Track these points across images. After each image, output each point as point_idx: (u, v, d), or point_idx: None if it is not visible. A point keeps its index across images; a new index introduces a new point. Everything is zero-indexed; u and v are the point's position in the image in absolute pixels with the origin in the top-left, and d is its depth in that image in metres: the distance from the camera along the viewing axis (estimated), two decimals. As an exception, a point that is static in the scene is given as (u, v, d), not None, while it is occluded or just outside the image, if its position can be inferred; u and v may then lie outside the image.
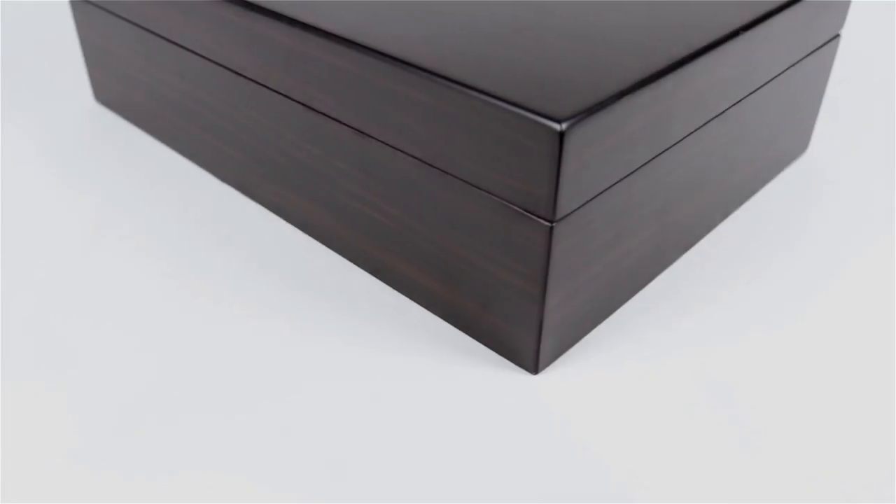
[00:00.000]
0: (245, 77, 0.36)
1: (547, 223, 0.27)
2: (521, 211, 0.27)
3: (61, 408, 0.29)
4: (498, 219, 0.28)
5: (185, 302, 0.34)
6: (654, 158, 0.30)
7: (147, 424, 0.29)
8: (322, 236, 0.36)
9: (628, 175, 0.29)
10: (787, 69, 0.37)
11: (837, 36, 0.40)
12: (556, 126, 0.25)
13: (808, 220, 0.39)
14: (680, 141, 0.31)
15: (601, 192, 0.28)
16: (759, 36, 0.33)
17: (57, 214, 0.39)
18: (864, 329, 0.33)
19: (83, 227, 0.38)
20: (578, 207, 0.27)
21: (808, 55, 0.38)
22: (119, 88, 0.45)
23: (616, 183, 0.29)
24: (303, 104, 0.33)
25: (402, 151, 0.30)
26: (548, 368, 0.31)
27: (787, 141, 0.41)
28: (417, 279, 0.33)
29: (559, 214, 0.27)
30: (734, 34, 0.31)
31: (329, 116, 0.33)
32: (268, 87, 0.35)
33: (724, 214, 0.38)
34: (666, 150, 0.31)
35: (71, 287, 0.35)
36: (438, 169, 0.29)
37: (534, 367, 0.30)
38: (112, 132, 0.45)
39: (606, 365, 0.31)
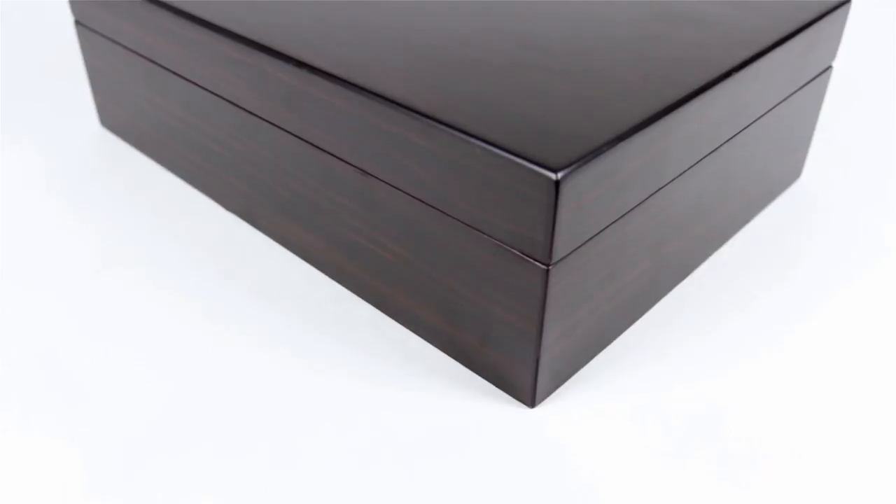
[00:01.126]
0: (249, 112, 0.37)
1: (543, 266, 0.28)
2: (518, 254, 0.28)
3: (69, 442, 0.30)
4: (496, 260, 0.29)
5: (191, 334, 0.35)
6: (647, 198, 0.31)
7: (156, 458, 0.29)
8: (325, 267, 0.37)
9: (622, 216, 0.30)
10: (780, 103, 0.38)
11: (830, 67, 0.41)
12: (552, 175, 0.26)
13: (801, 249, 0.40)
14: (673, 180, 0.32)
15: (596, 234, 0.29)
16: (752, 74, 0.34)
17: (63, 242, 0.40)
18: (857, 359, 0.34)
19: (90, 256, 0.39)
20: (574, 250, 0.28)
21: (801, 88, 0.39)
22: (124, 115, 0.46)
23: (610, 224, 0.30)
24: (306, 141, 0.34)
25: (402, 191, 0.31)
26: (545, 402, 0.32)
27: (780, 170, 0.42)
28: (418, 313, 0.34)
29: (555, 258, 0.28)
30: (727, 75, 0.32)
31: (332, 154, 0.33)
32: (271, 123, 0.36)
33: (718, 244, 0.39)
34: (659, 189, 0.31)
35: (76, 317, 0.35)
36: (438, 210, 0.30)
37: (531, 400, 0.31)
38: (117, 157, 0.46)
39: (602, 397, 0.32)
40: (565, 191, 0.26)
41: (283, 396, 0.32)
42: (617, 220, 0.30)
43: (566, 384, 0.32)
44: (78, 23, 0.45)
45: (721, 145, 0.34)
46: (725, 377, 0.33)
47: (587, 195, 0.27)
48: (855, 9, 0.64)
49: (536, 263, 0.28)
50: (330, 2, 0.37)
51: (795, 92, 0.39)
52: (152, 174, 0.45)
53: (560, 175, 0.26)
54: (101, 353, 0.34)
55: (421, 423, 0.31)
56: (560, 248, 0.27)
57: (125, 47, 0.42)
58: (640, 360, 0.34)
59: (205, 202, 0.43)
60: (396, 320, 0.35)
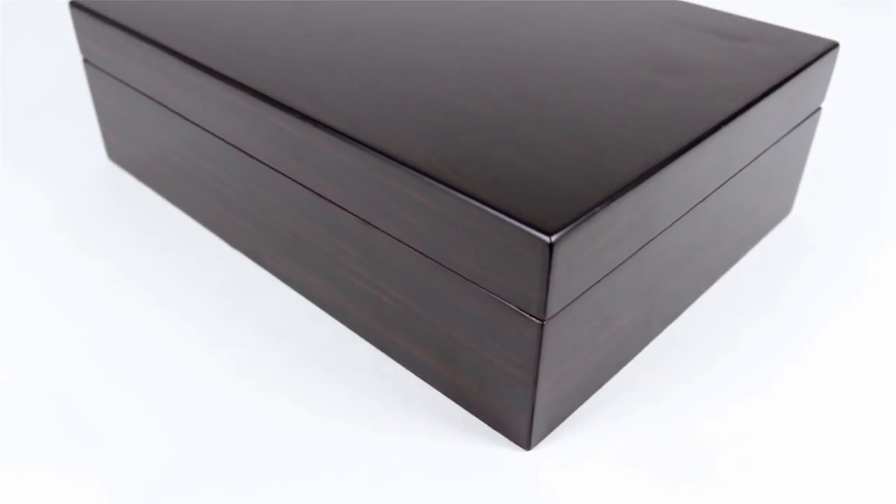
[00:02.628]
0: (254, 157, 0.38)
1: (538, 321, 0.29)
2: (514, 308, 0.29)
3: (84, 480, 0.31)
4: (493, 313, 0.30)
5: (199, 375, 0.36)
6: (638, 250, 0.32)
7: (163, 500, 0.31)
8: (328, 308, 0.39)
9: (614, 269, 0.31)
10: (770, 147, 0.39)
11: (819, 109, 0.42)
12: (546, 238, 0.27)
13: (790, 286, 0.41)
14: (664, 230, 0.33)
15: (589, 288, 0.30)
16: (742, 124, 0.35)
17: (73, 278, 0.41)
18: (847, 398, 0.35)
19: (100, 292, 0.40)
20: (567, 305, 0.29)
21: (791, 131, 0.40)
22: (131, 151, 0.47)
23: (602, 278, 0.31)
24: (310, 189, 0.35)
25: (403, 243, 0.32)
26: (540, 444, 0.33)
27: (771, 208, 0.43)
28: (418, 356, 0.35)
29: (549, 314, 0.29)
30: (717, 128, 0.33)
31: (335, 204, 0.35)
32: (276, 170, 0.37)
33: (709, 283, 0.40)
34: (650, 241, 0.33)
35: (87, 356, 0.37)
36: (437, 263, 0.31)
37: (527, 443, 0.32)
38: (125, 191, 0.47)
39: (595, 440, 0.33)
40: (559, 252, 0.27)
41: (286, 438, 0.33)
42: (609, 273, 0.31)
43: (560, 426, 0.34)
44: (86, 61, 0.46)
45: (711, 193, 0.35)
46: (716, 420, 0.34)
47: (580, 254, 0.29)
48: (843, 49, 0.66)
49: (531, 318, 0.29)
50: (335, 54, 0.38)
51: (785, 135, 0.40)
52: (159, 209, 0.46)
53: (554, 238, 0.27)
54: (112, 394, 0.35)
55: (419, 465, 0.32)
56: (554, 304, 0.29)
57: (133, 88, 0.44)
58: (632, 403, 0.35)
59: (211, 238, 0.44)
60: (397, 361, 0.36)
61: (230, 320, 0.39)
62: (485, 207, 0.29)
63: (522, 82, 0.36)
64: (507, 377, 0.31)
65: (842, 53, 0.63)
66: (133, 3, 0.44)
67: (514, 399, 0.32)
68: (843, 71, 0.61)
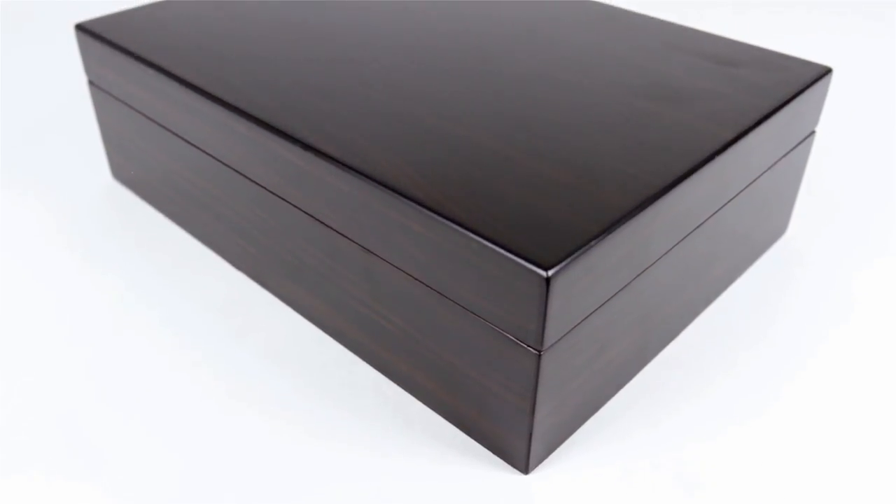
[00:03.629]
0: (257, 183, 0.38)
1: (535, 352, 0.30)
2: (512, 339, 0.30)
3: (93, 509, 0.32)
4: (491, 342, 0.31)
5: (204, 399, 0.37)
6: (634, 279, 0.33)
7: (172, 527, 0.31)
8: (330, 331, 0.39)
9: (610, 299, 0.32)
10: (765, 172, 0.39)
11: (813, 132, 0.43)
12: (543, 273, 0.28)
13: (784, 307, 0.42)
14: (659, 259, 0.34)
15: (585, 318, 0.31)
16: (737, 152, 0.36)
17: (80, 300, 0.42)
18: (841, 420, 0.36)
19: (106, 314, 0.41)
20: (564, 335, 0.30)
21: (785, 155, 0.41)
22: (135, 172, 0.48)
23: (599, 308, 0.31)
24: (312, 216, 0.36)
25: (403, 271, 0.33)
26: (538, 468, 0.34)
27: (766, 229, 0.44)
28: (418, 380, 0.36)
29: (546, 345, 0.29)
30: (712, 157, 0.34)
31: (337, 231, 0.35)
32: (279, 196, 0.37)
33: (705, 304, 0.41)
34: (646, 269, 0.33)
35: (94, 378, 0.37)
36: (437, 291, 0.32)
37: (525, 467, 0.33)
38: (130, 211, 0.48)
39: (592, 463, 0.34)
40: (555, 286, 0.28)
41: (288, 460, 0.34)
42: (605, 302, 0.32)
43: (558, 450, 0.34)
44: (91, 83, 0.47)
45: (706, 220, 0.36)
46: (710, 443, 0.35)
47: (576, 286, 0.29)
48: (838, 64, 0.66)
49: (529, 349, 0.30)
50: (336, 80, 0.39)
51: (779, 160, 0.40)
52: (164, 228, 0.47)
53: (550, 273, 0.28)
54: (116, 416, 0.36)
55: (419, 488, 0.33)
56: (551, 335, 0.29)
57: (137, 110, 0.44)
58: (629, 426, 0.35)
59: (215, 259, 0.44)
60: (398, 384, 0.37)
61: (234, 342, 0.39)
62: (483, 241, 0.29)
63: (520, 110, 0.37)
64: (506, 404, 0.32)
65: (836, 69, 0.64)
66: (138, 27, 0.45)
67: (512, 425, 0.32)
68: (838, 86, 0.62)
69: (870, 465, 0.34)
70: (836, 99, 0.60)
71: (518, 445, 0.33)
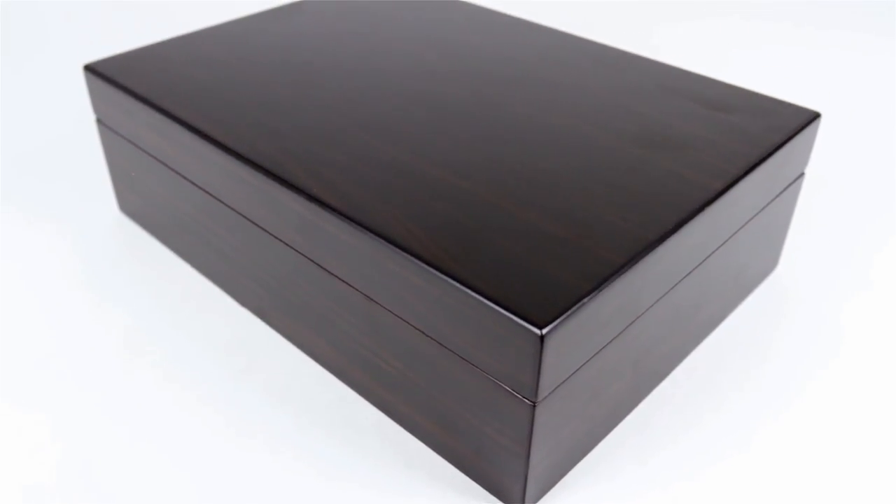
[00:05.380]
0: (261, 227, 0.40)
1: (530, 403, 0.31)
2: (507, 389, 0.31)
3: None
4: (488, 390, 0.32)
5: (209, 437, 0.38)
6: (626, 328, 0.34)
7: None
8: (333, 370, 0.40)
9: (603, 348, 0.33)
10: (755, 215, 0.41)
11: (802, 174, 0.44)
12: (537, 331, 0.29)
13: (777, 344, 0.43)
14: (651, 306, 0.35)
15: (578, 369, 0.32)
16: (727, 201, 0.37)
17: (88, 337, 0.43)
18: (833, 456, 0.37)
19: (114, 351, 0.42)
20: (558, 386, 0.31)
21: (775, 198, 0.42)
22: (142, 206, 0.49)
23: (592, 357, 0.33)
24: (315, 262, 0.37)
25: (403, 319, 0.34)
26: (533, 508, 0.35)
27: (757, 267, 0.45)
28: (418, 421, 0.37)
29: (541, 397, 0.31)
30: (702, 208, 0.35)
31: (339, 278, 0.36)
32: (283, 241, 0.39)
33: (696, 343, 0.42)
34: (637, 318, 0.34)
35: (103, 416, 0.39)
36: (436, 341, 0.33)
37: (520, 508, 0.34)
38: (136, 246, 0.49)
39: (586, 501, 0.35)
40: (549, 343, 0.29)
41: (291, 499, 0.35)
42: (597, 353, 0.33)
43: (553, 489, 0.36)
44: (99, 121, 0.48)
45: (697, 266, 0.37)
46: (698, 481, 0.36)
47: (570, 341, 0.30)
48: (825, 109, 0.67)
49: (524, 400, 0.31)
50: (340, 127, 0.40)
51: (769, 203, 0.42)
52: (170, 263, 0.48)
53: (545, 331, 0.29)
54: (122, 454, 0.37)
55: (420, 528, 0.34)
56: (545, 388, 0.31)
57: (143, 150, 0.45)
58: (620, 465, 0.37)
59: (221, 295, 0.46)
60: (399, 424, 0.38)
61: (239, 380, 0.41)
62: (479, 297, 0.30)
63: (516, 157, 0.38)
64: (502, 448, 0.33)
65: (826, 102, 0.65)
66: (145, 68, 0.46)
67: (508, 467, 0.34)
68: (828, 122, 0.63)
69: (864, 494, 0.35)
70: (825, 135, 0.61)
71: (514, 487, 0.34)
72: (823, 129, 0.61)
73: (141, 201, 0.49)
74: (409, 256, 0.32)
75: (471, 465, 0.36)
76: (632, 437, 0.38)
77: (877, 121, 0.65)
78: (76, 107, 0.64)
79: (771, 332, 0.44)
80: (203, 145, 0.40)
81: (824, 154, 0.59)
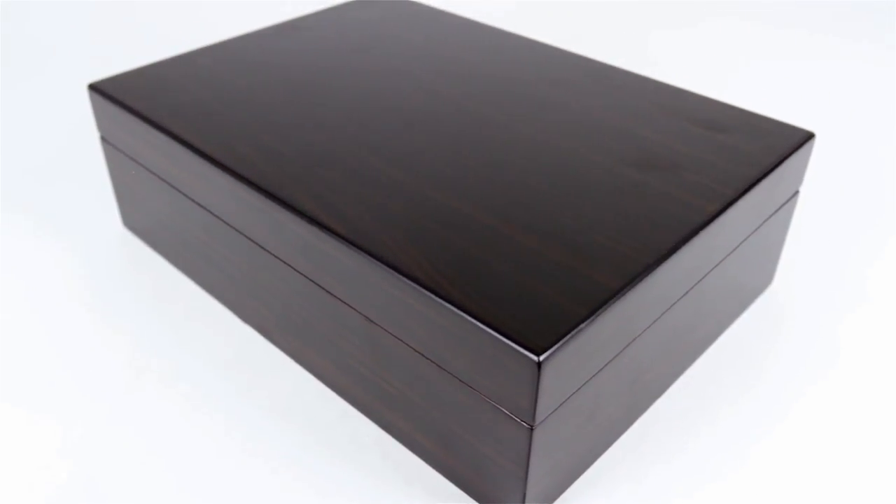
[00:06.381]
0: (264, 248, 0.40)
1: (528, 426, 0.32)
2: (505, 412, 0.32)
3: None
4: (486, 413, 0.33)
5: (214, 457, 0.38)
6: (622, 350, 0.35)
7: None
8: (334, 387, 0.41)
9: (599, 371, 0.34)
10: (749, 235, 0.41)
11: (797, 192, 0.44)
12: (535, 357, 0.30)
13: (771, 360, 0.43)
14: (646, 328, 0.36)
15: (575, 392, 0.33)
16: (722, 223, 0.37)
17: (93, 355, 0.44)
18: (829, 475, 0.37)
19: (120, 369, 0.43)
20: (555, 409, 0.32)
21: (770, 217, 0.43)
22: (146, 223, 0.50)
23: (588, 380, 0.33)
24: (316, 283, 0.38)
25: (403, 342, 0.35)
26: (531, 526, 0.36)
27: (752, 284, 0.45)
28: (418, 439, 0.38)
29: (538, 421, 0.31)
30: (697, 231, 0.36)
31: (340, 299, 0.37)
32: (285, 262, 0.39)
33: (692, 360, 0.43)
34: (633, 340, 0.35)
35: (106, 434, 0.39)
36: (436, 364, 0.34)
37: (519, 526, 0.35)
38: (140, 261, 0.50)
39: (582, 521, 0.36)
40: (547, 369, 0.30)
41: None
42: (594, 376, 0.33)
43: (550, 508, 0.36)
44: (103, 139, 0.49)
45: (692, 287, 0.38)
46: (695, 497, 0.37)
47: (567, 366, 0.31)
48: (822, 124, 0.68)
49: (522, 423, 0.32)
50: (343, 150, 0.41)
51: (764, 222, 0.42)
52: (174, 279, 0.49)
53: (542, 357, 0.30)
54: (126, 472, 0.37)
55: (420, 546, 0.35)
56: (542, 412, 0.31)
57: (147, 169, 0.46)
58: (617, 483, 0.37)
59: (224, 312, 0.46)
60: (400, 442, 0.39)
61: (243, 398, 0.41)
62: (477, 323, 0.31)
63: (516, 179, 0.38)
64: (500, 468, 0.34)
65: (822, 117, 0.66)
66: (149, 88, 0.46)
67: (506, 487, 0.34)
68: (824, 139, 0.63)
69: (845, 523, 0.36)
70: (820, 149, 0.62)
71: (512, 506, 0.35)
72: (818, 142, 0.62)
73: (144, 218, 0.50)
74: (408, 281, 0.33)
75: (470, 484, 0.36)
76: (628, 455, 0.39)
77: (872, 134, 0.66)
78: (82, 122, 0.65)
79: (767, 347, 0.44)
80: (206, 167, 0.41)
81: (819, 168, 0.59)
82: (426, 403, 0.36)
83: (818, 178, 0.58)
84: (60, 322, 0.46)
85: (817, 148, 0.61)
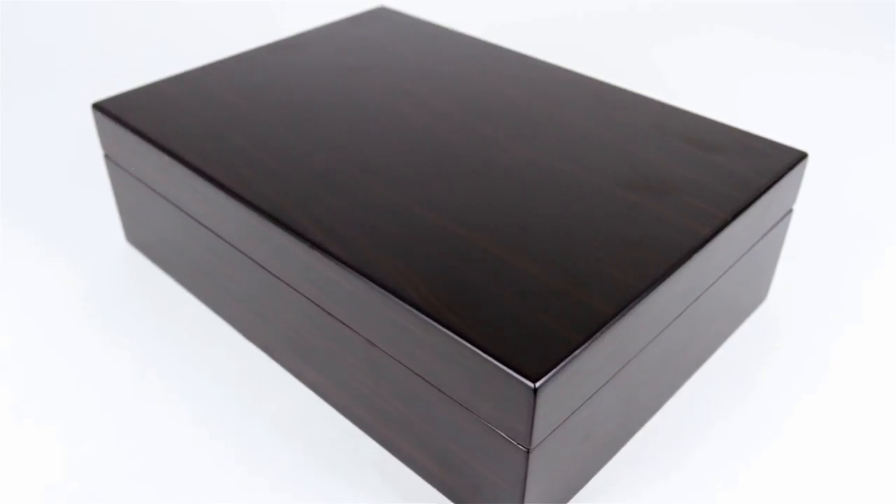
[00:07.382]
0: (266, 269, 0.41)
1: (524, 449, 0.32)
2: (502, 435, 0.33)
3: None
4: (484, 435, 0.34)
5: (212, 470, 0.39)
6: (617, 373, 0.35)
7: None
8: (336, 406, 0.42)
9: (594, 393, 0.34)
10: (743, 255, 0.42)
11: (791, 210, 0.45)
12: (531, 384, 0.30)
13: (764, 376, 0.44)
14: (641, 350, 0.36)
15: (571, 414, 0.33)
16: (716, 246, 0.38)
17: (98, 373, 0.44)
18: (823, 491, 0.38)
19: (125, 387, 0.43)
20: (552, 432, 0.33)
21: (764, 236, 0.43)
22: (149, 239, 0.51)
23: (584, 402, 0.34)
24: (318, 305, 0.39)
25: (403, 364, 0.36)
26: (528, 544, 0.36)
27: (746, 301, 0.46)
28: (418, 458, 0.38)
29: (534, 444, 0.32)
30: (690, 255, 0.36)
31: (340, 321, 0.38)
32: (287, 284, 0.40)
33: (686, 377, 0.44)
34: (628, 362, 0.36)
35: (109, 451, 0.40)
36: (434, 386, 0.35)
37: (516, 544, 0.36)
38: (144, 278, 0.51)
39: (578, 538, 0.37)
40: (542, 395, 0.31)
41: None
42: (589, 398, 0.34)
43: (547, 526, 0.37)
44: (107, 157, 0.50)
45: (686, 308, 0.39)
46: (688, 516, 0.38)
47: (562, 391, 0.32)
48: (812, 157, 0.68)
49: (518, 446, 0.32)
50: (344, 172, 0.41)
51: (758, 241, 0.43)
52: (177, 296, 0.49)
53: (538, 384, 0.30)
54: (129, 489, 0.38)
55: (420, 563, 0.36)
56: (538, 435, 0.32)
57: (150, 188, 0.47)
58: (611, 502, 0.38)
59: (227, 329, 0.47)
60: (400, 460, 0.40)
61: (245, 416, 0.42)
62: (475, 349, 0.32)
63: (511, 202, 0.39)
64: (498, 489, 0.35)
65: (815, 130, 0.66)
66: (152, 107, 0.47)
67: (504, 506, 0.35)
68: (818, 155, 0.64)
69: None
70: (813, 166, 0.62)
71: (510, 525, 0.35)
72: (812, 158, 0.62)
73: (148, 234, 0.51)
74: (407, 306, 0.34)
75: (468, 503, 0.37)
76: (624, 472, 0.39)
77: (866, 149, 0.66)
78: (85, 139, 0.65)
79: (760, 364, 0.45)
80: (209, 188, 0.41)
81: (813, 184, 0.60)
82: (425, 424, 0.37)
83: (812, 194, 0.59)
84: (64, 337, 0.46)
85: (811, 164, 0.61)
